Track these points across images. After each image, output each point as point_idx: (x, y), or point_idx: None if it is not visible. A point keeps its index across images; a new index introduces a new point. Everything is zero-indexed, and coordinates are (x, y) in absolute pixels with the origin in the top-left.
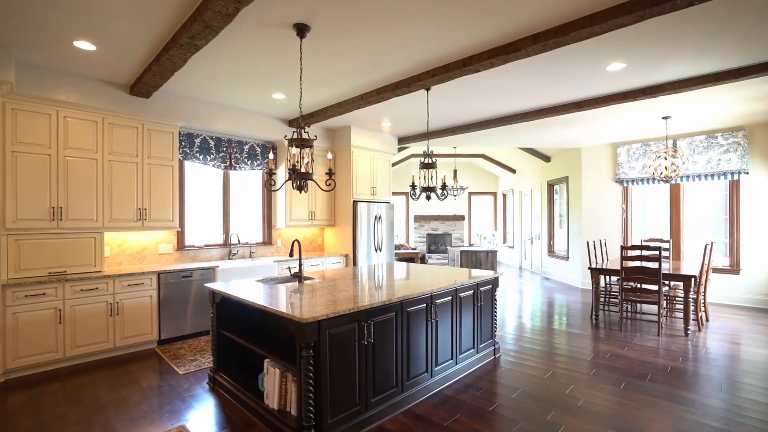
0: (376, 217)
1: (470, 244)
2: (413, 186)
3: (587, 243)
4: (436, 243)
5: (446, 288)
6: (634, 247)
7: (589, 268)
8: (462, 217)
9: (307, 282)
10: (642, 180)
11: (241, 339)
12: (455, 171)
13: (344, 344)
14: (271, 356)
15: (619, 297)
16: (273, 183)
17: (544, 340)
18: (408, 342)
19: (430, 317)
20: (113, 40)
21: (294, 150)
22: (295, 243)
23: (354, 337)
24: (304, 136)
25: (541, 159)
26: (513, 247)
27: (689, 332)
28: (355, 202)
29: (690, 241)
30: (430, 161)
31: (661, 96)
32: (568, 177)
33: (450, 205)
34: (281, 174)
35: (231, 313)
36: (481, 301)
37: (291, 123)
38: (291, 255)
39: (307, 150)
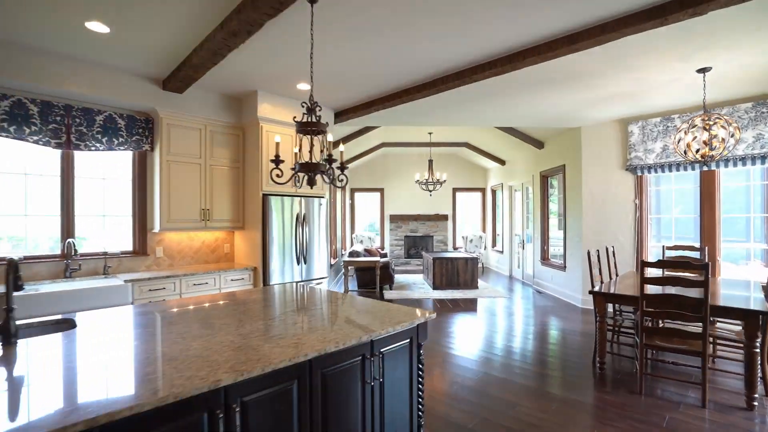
0: (298, 217)
1: (455, 248)
2: (275, 160)
3: (588, 253)
4: (416, 246)
5: (277, 365)
6: (662, 264)
7: (590, 292)
8: (445, 217)
9: (23, 344)
10: (662, 166)
11: None
12: (431, 161)
13: None
14: None
15: (638, 340)
16: None
17: (513, 418)
18: None
19: None
20: None
21: None
22: (7, 267)
23: None
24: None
25: (533, 145)
26: (503, 252)
27: (755, 402)
28: (265, 196)
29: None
30: (313, 118)
31: (710, 9)
32: (564, 166)
33: (431, 202)
34: (156, 158)
35: None
36: (381, 375)
37: (166, 84)
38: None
39: None
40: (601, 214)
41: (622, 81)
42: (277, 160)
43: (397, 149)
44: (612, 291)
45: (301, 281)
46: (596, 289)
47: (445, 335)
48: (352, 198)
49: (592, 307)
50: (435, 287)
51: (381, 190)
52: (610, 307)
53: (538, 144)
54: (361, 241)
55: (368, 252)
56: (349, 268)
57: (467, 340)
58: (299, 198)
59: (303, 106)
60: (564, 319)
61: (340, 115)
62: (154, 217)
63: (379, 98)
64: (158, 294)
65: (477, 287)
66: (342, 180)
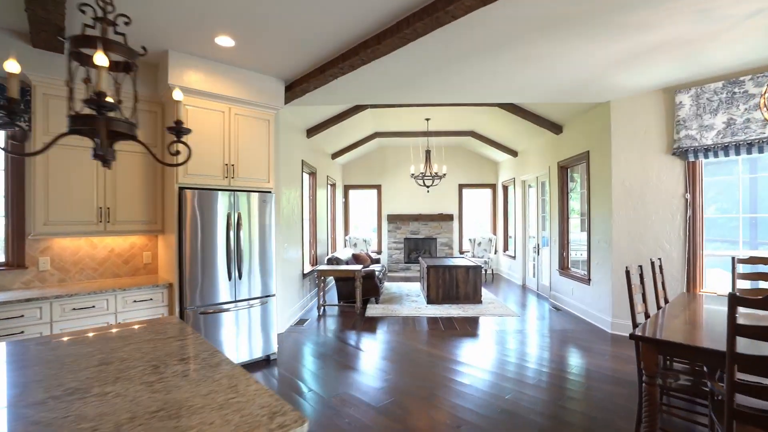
0: (230, 217)
1: (461, 252)
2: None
3: (627, 273)
4: (418, 250)
5: None
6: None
7: (632, 337)
8: (450, 217)
9: None
10: (726, 147)
11: None
12: (428, 152)
13: None
14: None
15: (715, 420)
16: None
17: None
18: None
19: None
20: None
21: None
22: None
23: None
24: None
25: (550, 129)
26: (515, 258)
27: None
28: (183, 190)
29: None
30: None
31: None
32: (588, 153)
33: (434, 201)
34: (39, 134)
35: None
36: None
37: (35, 39)
38: None
39: None
40: (639, 213)
41: (675, 18)
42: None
43: (395, 141)
44: (661, 334)
45: (235, 302)
46: (640, 331)
47: (420, 378)
48: (345, 196)
49: (626, 335)
50: (430, 301)
51: (378, 187)
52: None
53: (556, 128)
54: (355, 245)
55: (356, 258)
56: (325, 278)
57: (451, 390)
58: (232, 192)
59: (84, 11)
60: (589, 353)
61: (293, 88)
62: (31, 219)
63: (333, 59)
64: (12, 326)
65: (480, 301)
66: (177, 153)
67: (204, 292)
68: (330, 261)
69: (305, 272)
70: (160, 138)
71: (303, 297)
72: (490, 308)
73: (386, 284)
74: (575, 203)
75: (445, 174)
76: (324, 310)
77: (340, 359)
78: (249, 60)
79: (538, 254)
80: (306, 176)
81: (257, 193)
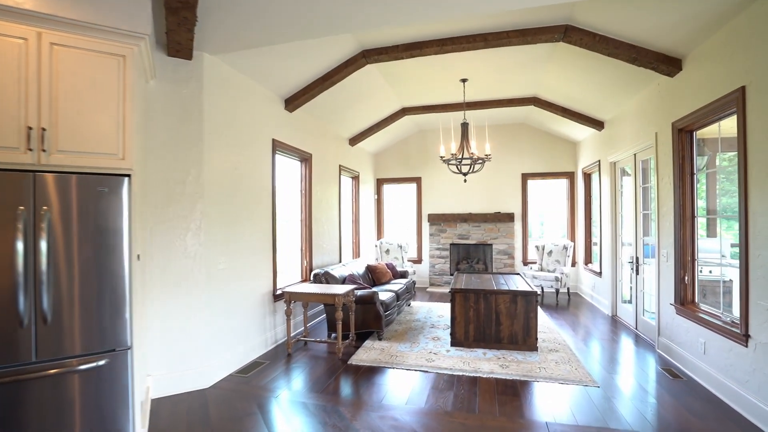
0: (24, 219)
1: (524, 264)
2: None
3: None
4: (469, 258)
5: None
6: None
7: None
8: (510, 217)
9: None
10: None
11: None
12: (465, 125)
13: None
14: None
15: None
16: None
17: None
18: None
19: None
20: None
21: None
22: None
23: None
24: None
25: (657, 70)
26: (601, 275)
27: None
28: None
29: None
30: None
31: None
32: (743, 90)
33: (489, 197)
34: None
35: None
36: None
37: None
38: None
39: None
40: None
41: None
42: None
43: (435, 122)
44: None
45: (35, 363)
46: None
47: None
48: (379, 192)
49: None
50: (455, 342)
51: (417, 180)
52: None
53: (669, 64)
54: (387, 251)
55: (372, 271)
56: (307, 303)
57: None
58: (36, 175)
59: None
60: None
61: (172, 5)
62: None
63: None
64: None
65: (535, 348)
66: None
67: None
68: (316, 278)
69: (277, 293)
70: None
71: (274, 327)
72: (549, 364)
73: (414, 305)
74: (711, 191)
75: (488, 155)
76: (305, 344)
77: None
78: None
79: (637, 272)
80: (291, 162)
81: (93, 177)
